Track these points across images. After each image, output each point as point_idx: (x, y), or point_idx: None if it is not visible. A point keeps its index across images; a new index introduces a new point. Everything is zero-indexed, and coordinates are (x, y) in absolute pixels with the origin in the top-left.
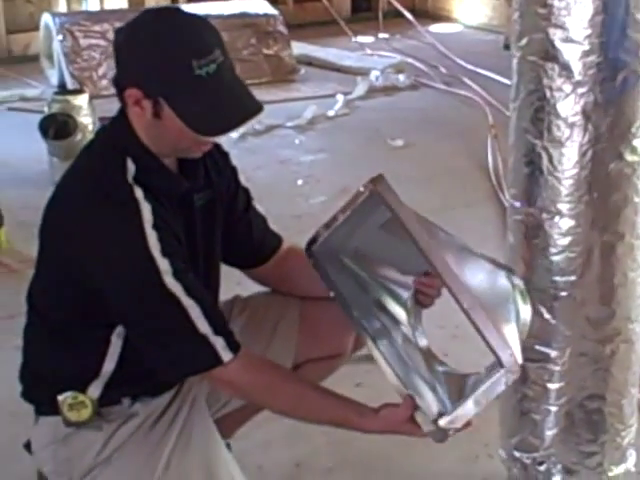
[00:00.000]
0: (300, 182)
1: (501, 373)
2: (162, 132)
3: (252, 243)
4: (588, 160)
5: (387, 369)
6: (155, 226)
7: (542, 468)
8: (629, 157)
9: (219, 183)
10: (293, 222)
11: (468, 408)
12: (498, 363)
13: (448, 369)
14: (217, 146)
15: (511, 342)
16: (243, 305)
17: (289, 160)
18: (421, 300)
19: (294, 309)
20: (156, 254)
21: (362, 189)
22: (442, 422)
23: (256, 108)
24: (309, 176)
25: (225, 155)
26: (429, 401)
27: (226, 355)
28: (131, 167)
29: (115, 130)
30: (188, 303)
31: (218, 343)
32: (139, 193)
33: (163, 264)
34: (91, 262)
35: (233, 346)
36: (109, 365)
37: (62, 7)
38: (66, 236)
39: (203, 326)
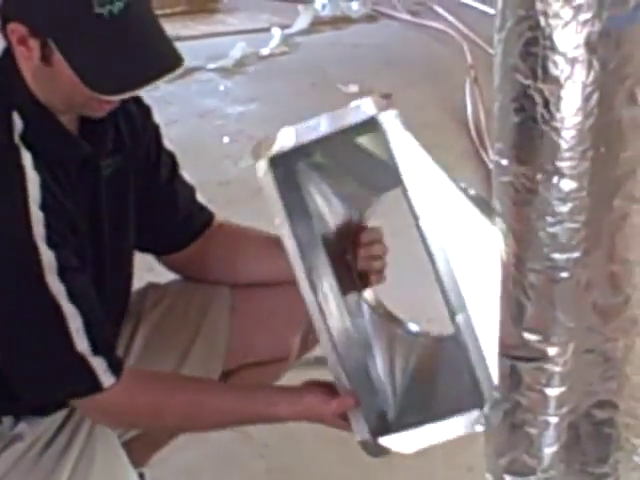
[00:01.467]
0: (227, 140)
1: (477, 416)
2: (53, 81)
3: (176, 222)
4: (593, 105)
5: (330, 352)
6: (43, 206)
7: None
8: None
9: (135, 146)
10: (219, 190)
11: (421, 437)
12: (478, 399)
13: (420, 332)
14: (135, 99)
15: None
16: (158, 296)
17: (212, 112)
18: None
19: (223, 300)
20: (40, 244)
21: (363, 107)
22: (383, 440)
23: (173, 62)
24: (238, 132)
25: (146, 110)
26: (375, 403)
27: (107, 379)
28: (18, 123)
29: None
30: (69, 311)
31: (98, 365)
32: (27, 159)
33: (47, 257)
34: None
35: (116, 367)
36: None
37: None
38: None
39: (81, 343)
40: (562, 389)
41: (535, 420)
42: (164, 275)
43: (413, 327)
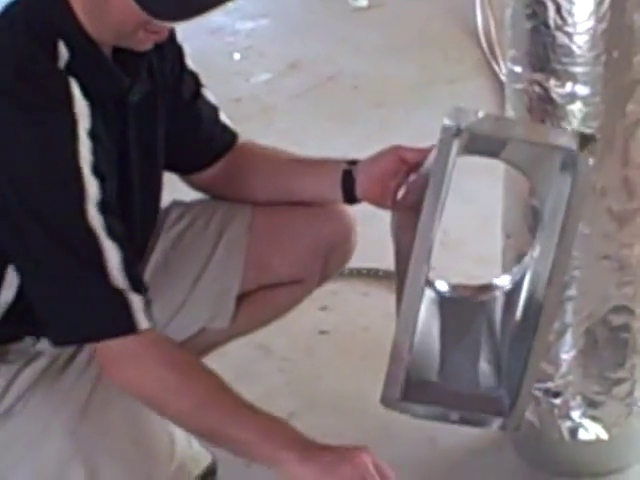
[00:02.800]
0: (237, 56)
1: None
2: (104, 10)
3: (200, 140)
4: (606, 9)
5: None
6: (92, 134)
7: (558, 401)
8: None
9: (161, 69)
10: (231, 107)
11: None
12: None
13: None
14: None
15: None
16: (181, 212)
17: (222, 29)
18: None
19: (244, 217)
20: (86, 170)
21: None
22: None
23: None
24: (248, 48)
25: (170, 32)
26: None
27: (143, 321)
28: (64, 52)
29: (42, 2)
30: (107, 245)
31: (136, 302)
32: (75, 86)
33: (91, 186)
34: None
35: (151, 313)
36: (6, 294)
37: None
38: None
39: (119, 278)
40: (578, 295)
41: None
42: (183, 194)
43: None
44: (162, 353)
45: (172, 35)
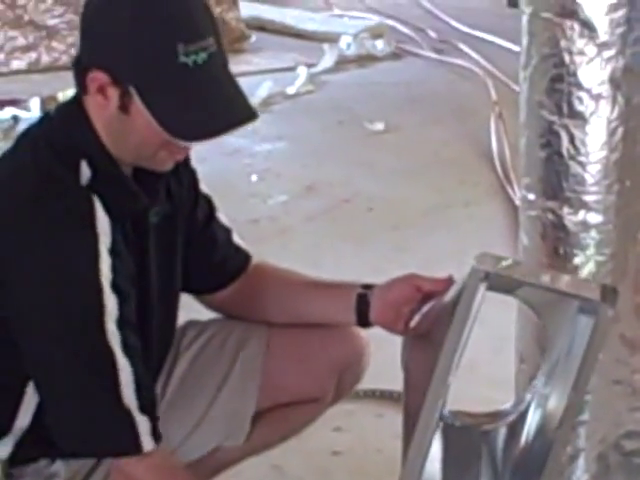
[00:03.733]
0: (255, 178)
1: None
2: (127, 131)
3: (215, 262)
4: (618, 140)
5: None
6: (112, 251)
7: None
8: None
9: (179, 193)
10: (249, 228)
11: None
12: None
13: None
14: None
15: None
16: (197, 331)
17: (240, 150)
18: None
19: (260, 338)
20: (105, 287)
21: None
22: None
23: (248, 114)
24: (266, 170)
25: (185, 158)
26: None
27: (148, 443)
28: (86, 171)
29: (68, 122)
30: (122, 362)
31: (142, 423)
32: (97, 203)
33: (110, 303)
34: (18, 276)
35: (157, 433)
36: (23, 420)
37: None
38: None
39: (129, 396)
40: (590, 420)
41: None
42: (199, 313)
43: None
44: (163, 469)
45: (187, 160)
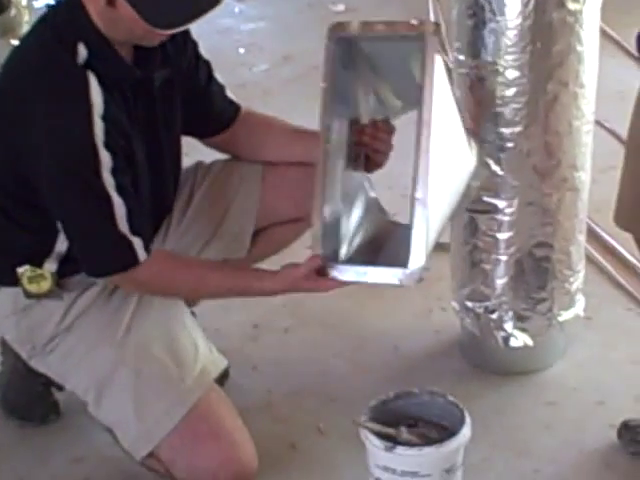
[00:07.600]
0: (242, 51)
1: (400, 273)
2: (116, 20)
3: (213, 114)
4: (531, 10)
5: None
6: (104, 117)
7: (494, 316)
8: (571, 5)
9: (178, 60)
10: (238, 91)
11: (355, 273)
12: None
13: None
14: None
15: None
16: (205, 170)
17: (230, 29)
18: (373, 158)
19: (256, 173)
20: (99, 144)
21: (414, 23)
22: (331, 271)
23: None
24: (251, 44)
25: (185, 32)
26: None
27: (142, 255)
28: (83, 51)
29: (67, 11)
30: (117, 200)
31: (136, 242)
32: (92, 78)
33: (104, 156)
34: (32, 142)
35: (148, 247)
36: (61, 245)
37: None
38: (9, 117)
39: (124, 225)
40: (510, 234)
41: (489, 258)
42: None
43: (387, 214)
44: (162, 265)
45: (188, 33)
